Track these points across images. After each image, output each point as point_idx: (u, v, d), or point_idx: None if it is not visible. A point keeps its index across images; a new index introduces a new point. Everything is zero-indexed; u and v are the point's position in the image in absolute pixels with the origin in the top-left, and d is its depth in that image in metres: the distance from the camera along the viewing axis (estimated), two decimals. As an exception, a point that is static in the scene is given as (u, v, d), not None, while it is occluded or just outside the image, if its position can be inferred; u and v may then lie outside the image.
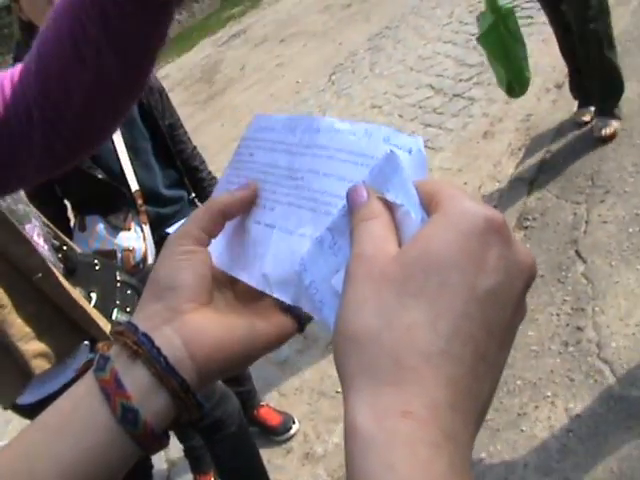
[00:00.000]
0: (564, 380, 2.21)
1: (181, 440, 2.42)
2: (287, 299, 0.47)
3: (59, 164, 0.74)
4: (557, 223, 2.90)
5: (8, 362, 1.51)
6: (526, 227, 3.00)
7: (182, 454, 2.50)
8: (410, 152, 0.42)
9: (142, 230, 2.06)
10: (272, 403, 2.66)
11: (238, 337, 0.46)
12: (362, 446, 0.31)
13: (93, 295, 1.62)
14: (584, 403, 2.11)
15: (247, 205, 0.51)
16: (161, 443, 0.44)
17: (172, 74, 9.03)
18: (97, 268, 1.71)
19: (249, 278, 0.50)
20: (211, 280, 0.47)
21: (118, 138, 2.01)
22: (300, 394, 2.76)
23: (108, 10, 0.63)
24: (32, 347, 1.49)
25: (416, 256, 0.34)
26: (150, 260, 2.07)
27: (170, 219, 2.15)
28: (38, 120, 0.69)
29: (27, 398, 1.56)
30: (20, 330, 1.48)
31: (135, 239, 2.04)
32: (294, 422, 2.59)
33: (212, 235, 0.49)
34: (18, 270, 1.45)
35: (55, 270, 1.49)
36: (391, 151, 0.41)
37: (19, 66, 0.72)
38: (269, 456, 2.52)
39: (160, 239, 2.12)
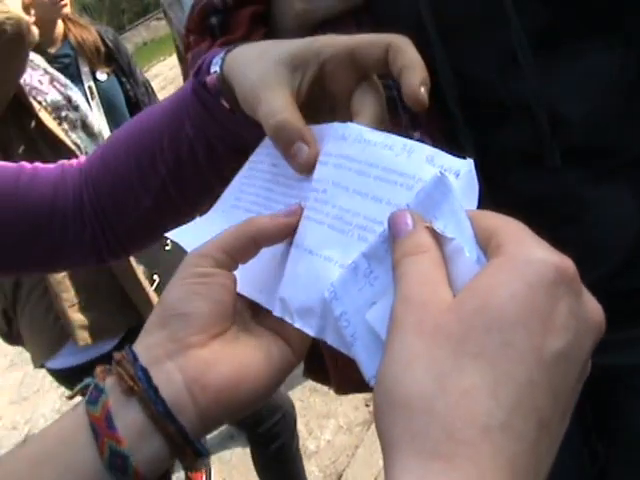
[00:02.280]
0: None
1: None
2: (311, 331, 0.40)
3: (99, 261, 0.72)
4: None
5: (50, 322, 1.50)
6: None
7: (174, 451, 2.49)
8: (457, 175, 0.37)
9: None
10: (264, 400, 2.65)
11: (252, 375, 0.40)
12: None
13: (156, 277, 1.58)
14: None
15: (289, 234, 0.44)
16: None
17: (164, 72, 9.01)
18: (167, 249, 1.62)
19: (267, 302, 0.44)
20: (231, 307, 0.42)
21: (107, 133, 2.01)
22: (292, 391, 2.75)
23: (182, 156, 0.60)
24: (80, 317, 1.48)
25: (476, 309, 0.29)
26: None
27: None
28: (90, 221, 0.67)
29: (55, 363, 1.55)
30: (73, 297, 1.47)
31: None
32: (286, 418, 2.58)
33: (239, 261, 0.43)
34: None
35: None
36: (441, 174, 0.36)
37: (78, 161, 0.70)
38: (261, 453, 2.51)
39: None
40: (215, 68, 0.55)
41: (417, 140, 0.55)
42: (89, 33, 1.99)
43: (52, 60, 1.98)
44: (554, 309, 0.29)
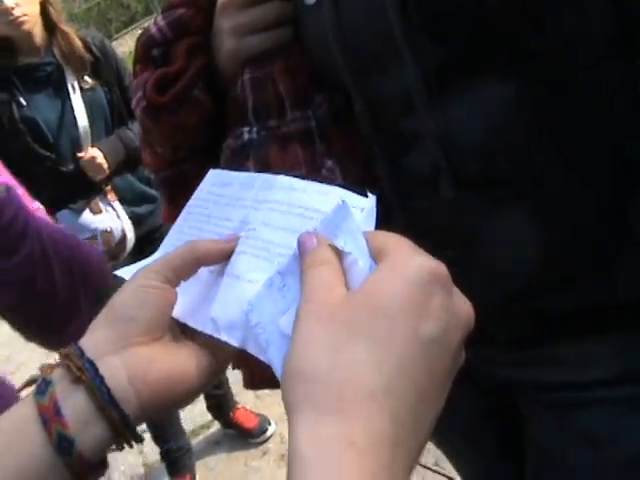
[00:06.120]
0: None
1: (158, 443, 2.42)
2: (235, 342, 0.46)
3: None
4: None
5: None
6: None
7: (159, 457, 2.51)
8: (362, 210, 0.45)
9: (113, 208, 2.08)
10: (248, 405, 2.67)
11: (186, 375, 0.46)
12: (303, 470, 0.32)
13: None
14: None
15: (227, 257, 0.50)
16: (96, 473, 0.43)
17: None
18: None
19: (196, 323, 0.50)
20: (169, 318, 0.48)
21: (85, 129, 2.04)
22: (276, 396, 2.77)
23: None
24: None
25: (364, 300, 0.36)
26: (129, 235, 2.08)
27: (142, 199, 2.17)
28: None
29: None
30: None
31: (110, 219, 2.04)
32: (270, 424, 2.59)
33: (183, 278, 0.49)
34: None
35: None
36: (343, 202, 0.44)
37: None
38: (246, 458, 2.53)
39: (134, 216, 2.13)
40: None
41: (329, 167, 0.65)
42: (74, 42, 2.00)
43: (33, 69, 2.00)
44: (428, 301, 0.36)
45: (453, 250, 0.68)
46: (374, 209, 0.45)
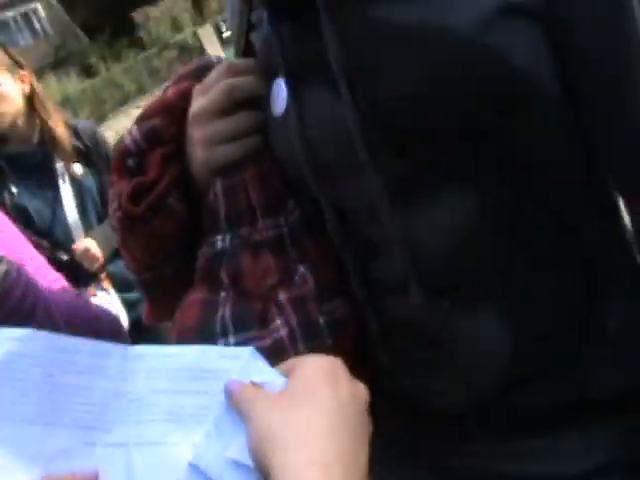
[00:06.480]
0: None
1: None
2: None
3: None
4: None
5: None
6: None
7: None
8: (249, 356, 0.55)
9: (108, 293, 2.07)
10: None
11: None
12: None
13: None
14: None
15: None
16: None
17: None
18: None
19: None
20: None
21: (74, 220, 2.06)
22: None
23: None
24: None
25: (294, 391, 0.51)
26: (123, 321, 2.04)
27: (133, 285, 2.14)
28: None
29: None
30: None
31: (106, 305, 2.00)
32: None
33: None
34: None
35: None
36: (249, 353, 0.55)
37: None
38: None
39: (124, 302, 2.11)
40: None
41: (302, 274, 0.69)
42: (60, 132, 2.03)
43: (23, 157, 2.01)
44: (337, 379, 0.52)
45: (424, 349, 0.69)
46: (256, 353, 0.55)
